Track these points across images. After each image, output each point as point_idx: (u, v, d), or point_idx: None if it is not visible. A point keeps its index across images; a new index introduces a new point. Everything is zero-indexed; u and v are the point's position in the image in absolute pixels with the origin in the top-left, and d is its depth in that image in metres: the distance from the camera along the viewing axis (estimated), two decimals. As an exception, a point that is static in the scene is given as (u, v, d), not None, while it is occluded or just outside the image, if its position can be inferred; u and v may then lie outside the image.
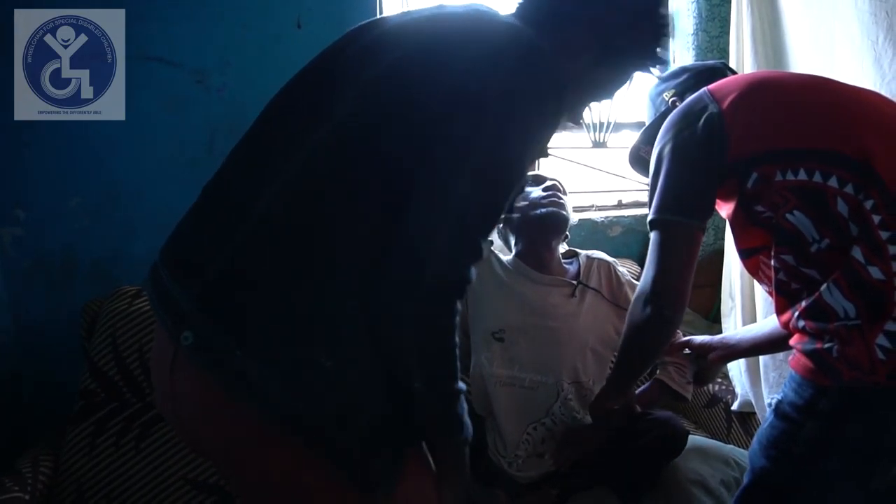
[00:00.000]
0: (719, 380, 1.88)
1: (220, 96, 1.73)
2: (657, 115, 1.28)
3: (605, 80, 1.01)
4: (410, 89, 0.83)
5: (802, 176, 0.99)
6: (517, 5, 0.99)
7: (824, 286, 0.97)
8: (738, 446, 1.64)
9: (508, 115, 0.81)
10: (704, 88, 1.13)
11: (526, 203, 1.63)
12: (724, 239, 2.04)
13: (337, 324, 0.80)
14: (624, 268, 1.77)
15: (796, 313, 1.02)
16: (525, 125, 0.83)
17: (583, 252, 1.75)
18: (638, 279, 1.92)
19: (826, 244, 0.98)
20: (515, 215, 1.64)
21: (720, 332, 1.85)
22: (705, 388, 1.87)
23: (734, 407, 1.79)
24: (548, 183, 1.68)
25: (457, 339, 0.84)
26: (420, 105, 0.82)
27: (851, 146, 0.97)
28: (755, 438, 1.10)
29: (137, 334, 1.53)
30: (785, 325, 1.07)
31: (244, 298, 0.80)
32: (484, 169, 0.80)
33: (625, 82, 1.03)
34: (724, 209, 1.14)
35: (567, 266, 1.70)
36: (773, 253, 1.05)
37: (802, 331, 1.02)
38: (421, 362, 0.82)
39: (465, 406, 0.89)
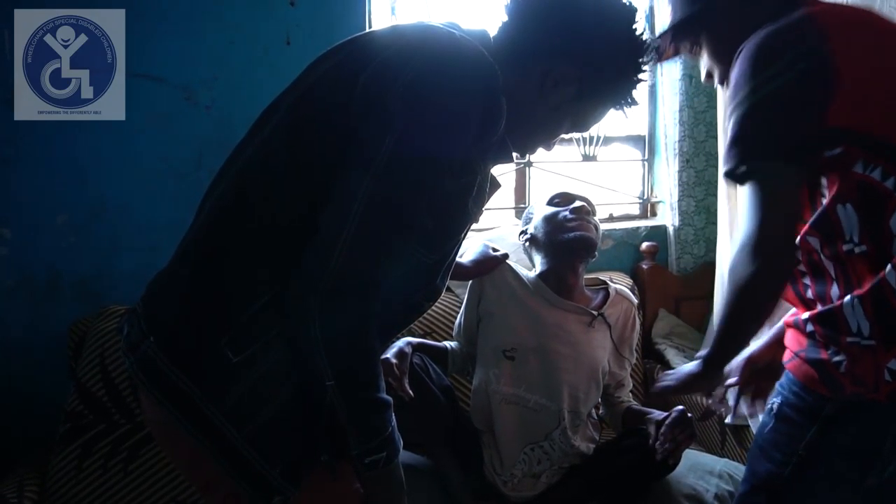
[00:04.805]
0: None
1: (208, 112, 1.72)
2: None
3: (583, 114, 1.00)
4: (336, 92, 0.86)
5: (877, 175, 0.87)
6: (498, 32, 0.98)
7: (847, 299, 0.91)
8: (733, 459, 1.63)
9: (418, 122, 0.82)
10: (804, 11, 0.92)
11: (552, 225, 1.56)
12: (714, 251, 2.04)
13: (248, 322, 0.83)
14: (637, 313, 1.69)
15: (805, 315, 0.98)
16: (439, 134, 0.83)
17: (614, 285, 1.67)
18: (633, 291, 1.93)
19: (861, 251, 0.90)
20: (541, 236, 1.58)
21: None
22: (698, 400, 1.86)
23: (728, 420, 1.78)
24: (576, 204, 1.58)
25: (376, 344, 0.85)
26: (342, 107, 0.85)
27: None
28: (754, 444, 1.09)
29: (125, 354, 1.51)
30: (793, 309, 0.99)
31: (163, 291, 0.90)
32: (387, 171, 0.81)
33: (602, 117, 1.03)
34: None
35: (591, 294, 1.63)
36: (803, 232, 0.94)
37: (809, 335, 0.98)
38: (329, 360, 0.81)
39: (392, 420, 0.87)
